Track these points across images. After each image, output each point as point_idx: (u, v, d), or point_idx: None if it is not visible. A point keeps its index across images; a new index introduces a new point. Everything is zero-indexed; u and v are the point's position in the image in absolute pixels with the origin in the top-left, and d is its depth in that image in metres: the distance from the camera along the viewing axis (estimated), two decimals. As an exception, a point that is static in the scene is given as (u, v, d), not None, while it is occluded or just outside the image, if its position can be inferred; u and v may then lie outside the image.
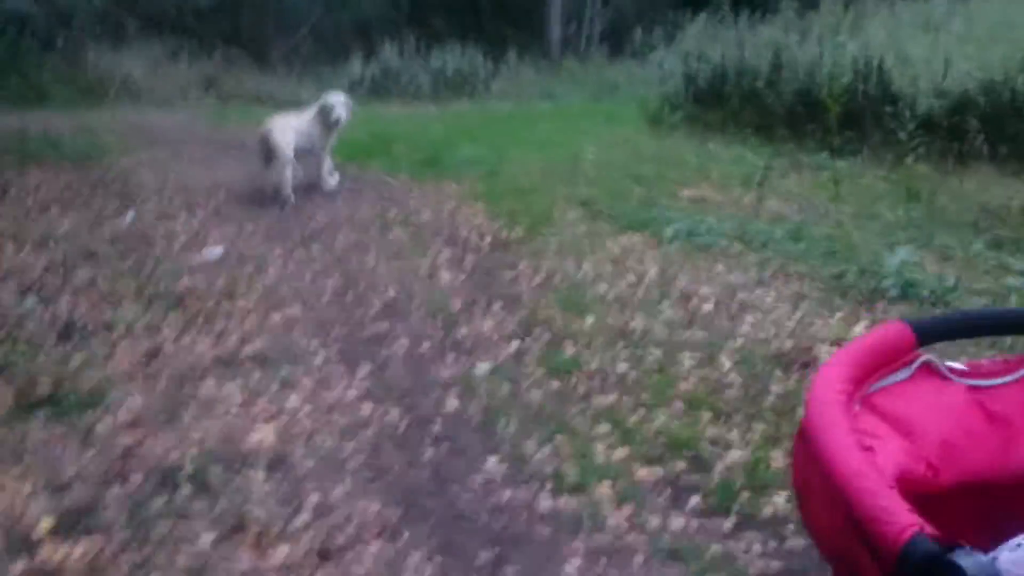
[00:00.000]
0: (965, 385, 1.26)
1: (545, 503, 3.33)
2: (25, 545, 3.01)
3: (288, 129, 8.20)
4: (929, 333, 1.32)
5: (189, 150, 10.84)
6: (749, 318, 5.17)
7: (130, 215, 7.50)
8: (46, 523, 3.14)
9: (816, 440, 1.10)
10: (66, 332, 4.92)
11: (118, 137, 11.22)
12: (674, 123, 11.69)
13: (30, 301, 5.28)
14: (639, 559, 2.97)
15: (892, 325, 1.32)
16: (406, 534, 3.14)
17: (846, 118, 9.80)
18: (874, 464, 1.08)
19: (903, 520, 0.94)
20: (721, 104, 11.42)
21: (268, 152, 8.13)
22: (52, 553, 2.98)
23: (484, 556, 3.02)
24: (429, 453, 3.74)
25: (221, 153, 10.63)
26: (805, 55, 11.02)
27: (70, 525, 3.15)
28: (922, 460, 1.15)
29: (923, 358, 1.29)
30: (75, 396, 4.11)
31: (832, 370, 1.21)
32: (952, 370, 1.29)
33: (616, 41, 20.12)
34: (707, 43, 12.39)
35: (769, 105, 10.86)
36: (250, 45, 18.65)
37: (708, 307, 5.37)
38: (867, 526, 0.96)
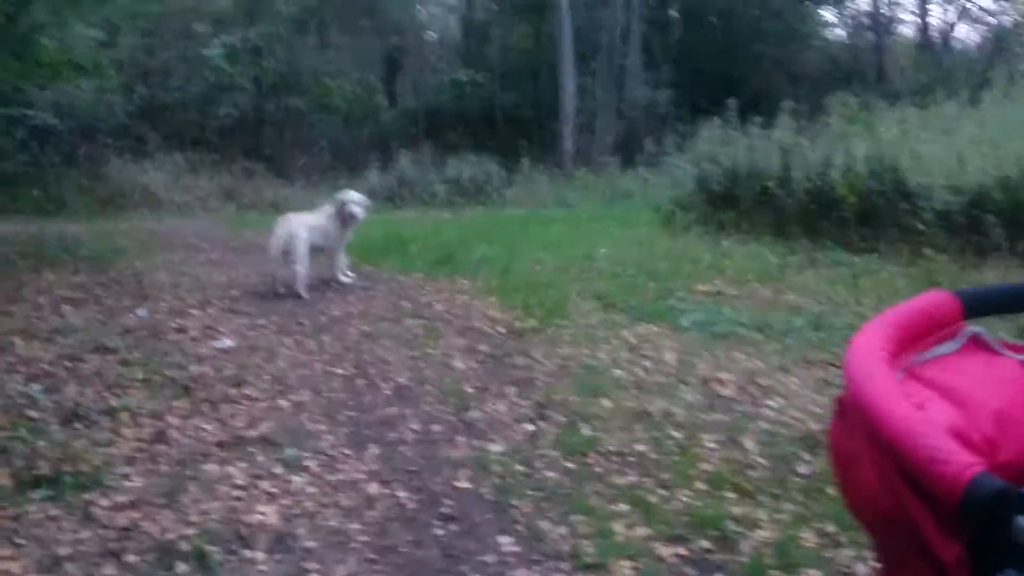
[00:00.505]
0: (1018, 360, 1.15)
1: (562, 581, 3.13)
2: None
3: (303, 226, 8.26)
4: (976, 305, 1.22)
5: (205, 253, 10.94)
6: (772, 402, 5.01)
7: (142, 311, 7.47)
8: (32, 603, 2.96)
9: (861, 394, 0.99)
10: (70, 418, 4.79)
11: (135, 242, 11.34)
12: (687, 224, 11.74)
13: (35, 388, 5.18)
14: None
15: (936, 294, 1.22)
16: (413, 610, 2.94)
17: (861, 215, 9.83)
18: (926, 414, 0.97)
19: (964, 459, 0.84)
20: (734, 205, 11.50)
21: (283, 249, 8.16)
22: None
23: (497, 635, 2.81)
24: (438, 532, 3.55)
25: (237, 255, 10.70)
26: (816, 155, 11.13)
27: (58, 606, 2.97)
28: (977, 431, 1.02)
29: (970, 330, 1.19)
30: (74, 477, 3.96)
31: (872, 331, 1.10)
32: (1005, 344, 1.18)
33: (628, 152, 20.49)
34: (718, 148, 12.55)
35: (782, 204, 10.90)
36: (269, 159, 19.10)
37: (729, 392, 5.22)
38: (924, 469, 0.85)
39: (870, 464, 1.01)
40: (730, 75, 21.21)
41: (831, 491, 3.73)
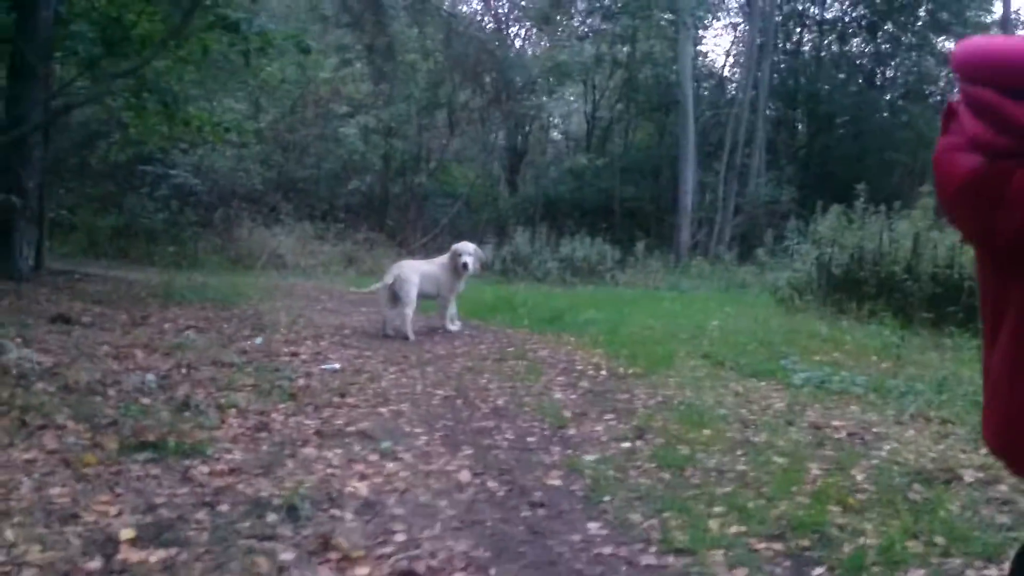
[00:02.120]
0: None
1: (648, 560, 3.01)
2: (102, 549, 2.91)
3: (414, 271, 8.48)
4: None
5: (323, 303, 11.30)
6: (886, 446, 4.74)
7: (259, 339, 7.75)
8: (127, 534, 3.05)
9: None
10: (180, 407, 4.98)
11: (258, 290, 11.82)
12: (805, 306, 11.43)
13: (149, 378, 5.43)
14: (753, 613, 2.60)
15: None
16: (494, 570, 2.88)
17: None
18: None
19: None
20: (855, 289, 11.14)
21: (394, 292, 8.37)
22: (129, 555, 2.87)
23: (577, 593, 2.71)
24: (526, 514, 3.49)
25: (352, 306, 11.02)
26: (946, 243, 10.74)
27: (151, 537, 3.05)
28: None
29: None
30: (177, 446, 4.10)
31: None
32: None
33: (747, 246, 20.24)
34: (841, 233, 12.27)
35: (907, 290, 10.51)
36: (392, 231, 19.76)
37: (840, 436, 4.98)
38: None
39: (964, 149, 0.98)
40: (857, 179, 20.90)
41: (943, 512, 3.51)
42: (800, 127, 27.14)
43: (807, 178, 22.90)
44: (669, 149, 23.79)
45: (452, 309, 8.92)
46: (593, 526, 3.34)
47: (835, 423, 5.25)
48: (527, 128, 24.76)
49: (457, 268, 8.66)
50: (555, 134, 29.17)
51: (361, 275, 16.65)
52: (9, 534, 2.89)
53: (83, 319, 7.53)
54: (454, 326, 8.87)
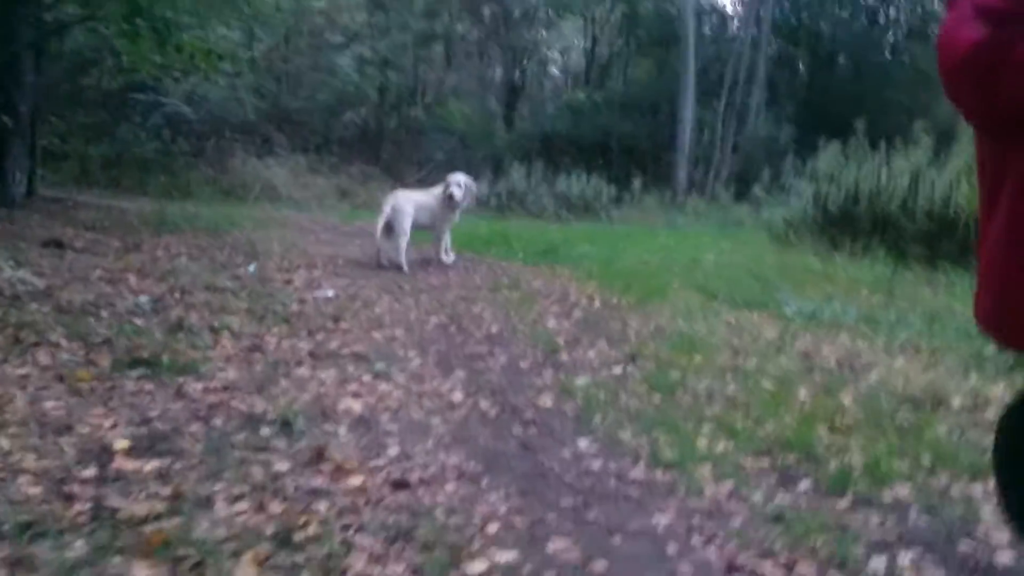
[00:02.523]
0: None
1: (637, 473, 3.06)
2: (98, 458, 2.93)
3: (409, 202, 8.43)
4: None
5: (316, 234, 11.27)
6: (875, 374, 4.78)
7: (252, 266, 7.73)
8: (122, 444, 3.06)
9: None
10: (174, 329, 4.98)
11: (251, 220, 11.78)
12: (799, 242, 11.44)
13: (143, 299, 5.43)
14: (737, 521, 2.64)
15: None
16: (485, 480, 2.92)
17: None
18: None
19: None
20: (851, 225, 11.14)
21: (388, 222, 8.33)
22: (123, 464, 2.89)
23: (566, 502, 2.76)
24: (517, 432, 3.53)
25: (345, 238, 11.00)
26: (943, 181, 10.71)
27: (145, 447, 3.07)
28: None
29: None
30: (171, 364, 4.11)
31: None
32: None
33: (743, 185, 20.17)
34: (839, 170, 12.22)
35: (902, 226, 10.51)
36: (387, 166, 19.63)
37: (829, 364, 5.02)
38: None
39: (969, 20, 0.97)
40: (857, 118, 20.72)
41: (930, 434, 3.55)
42: (801, 65, 26.83)
43: (806, 117, 22.73)
44: (668, 86, 23.55)
45: (446, 241, 8.90)
46: (583, 443, 3.38)
47: (825, 352, 5.29)
48: (525, 63, 24.47)
49: (451, 201, 8.61)
50: (553, 70, 28.85)
51: (355, 208, 16.60)
52: (4, 443, 2.92)
53: (76, 244, 7.51)
54: (448, 258, 8.86)
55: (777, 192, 16.87)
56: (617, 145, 22.78)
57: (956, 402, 4.19)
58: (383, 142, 20.90)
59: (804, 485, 2.97)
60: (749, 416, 3.78)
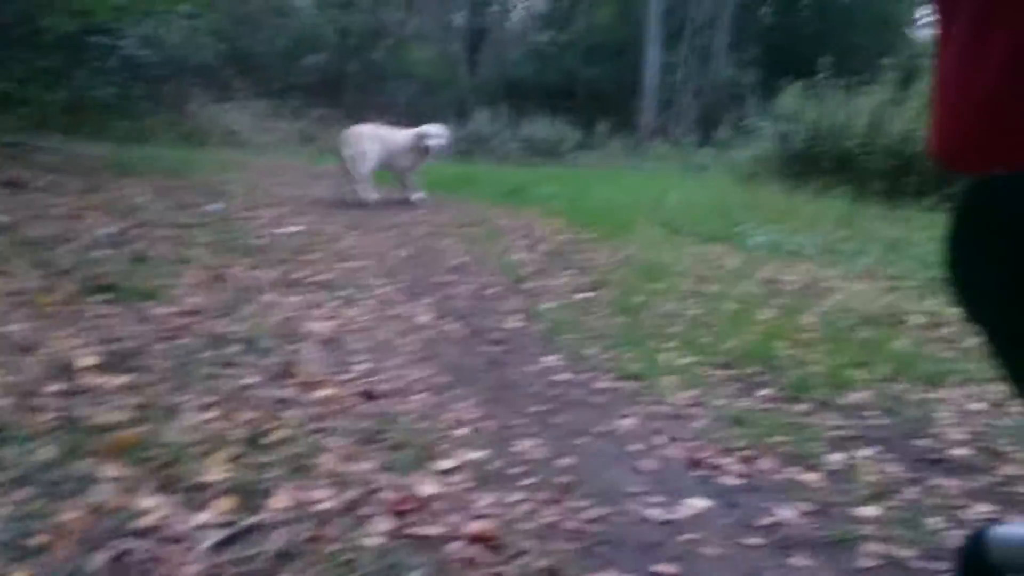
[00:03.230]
0: None
1: (602, 384, 3.11)
2: (64, 374, 2.91)
3: (375, 138, 8.36)
4: None
5: (280, 177, 11.13)
6: (835, 297, 4.88)
7: (216, 205, 7.64)
8: (89, 361, 3.05)
9: None
10: (138, 260, 4.93)
11: (213, 164, 11.60)
12: (763, 180, 11.51)
13: (104, 232, 5.36)
14: (699, 423, 2.70)
15: None
16: (454, 392, 2.95)
17: (944, 178, 9.49)
18: None
19: None
20: (813, 163, 11.22)
21: (351, 153, 8.24)
22: (90, 380, 2.88)
23: (533, 409, 2.80)
24: (484, 349, 3.56)
25: (309, 179, 10.90)
26: (902, 120, 10.80)
27: (113, 364, 3.05)
28: None
29: None
30: (134, 290, 4.09)
31: None
32: None
33: (707, 129, 20.17)
34: (802, 107, 12.27)
35: (864, 164, 10.61)
36: (349, 113, 19.36)
37: (791, 288, 5.10)
38: None
39: None
40: (821, 58, 20.75)
41: (888, 348, 3.64)
42: (764, 8, 26.71)
43: (770, 60, 22.66)
44: (632, 30, 23.34)
45: (412, 180, 8.84)
46: (550, 359, 3.43)
47: (787, 278, 5.38)
48: (489, 5, 24.13)
49: (421, 149, 8.54)
50: (517, 13, 28.47)
51: (320, 153, 16.42)
52: (-32, 359, 2.90)
53: (36, 184, 7.36)
54: (416, 195, 8.82)
55: (741, 134, 16.90)
56: (582, 89, 22.64)
57: (914, 320, 4.29)
58: (345, 87, 20.57)
59: (765, 392, 3.04)
60: (712, 333, 3.84)
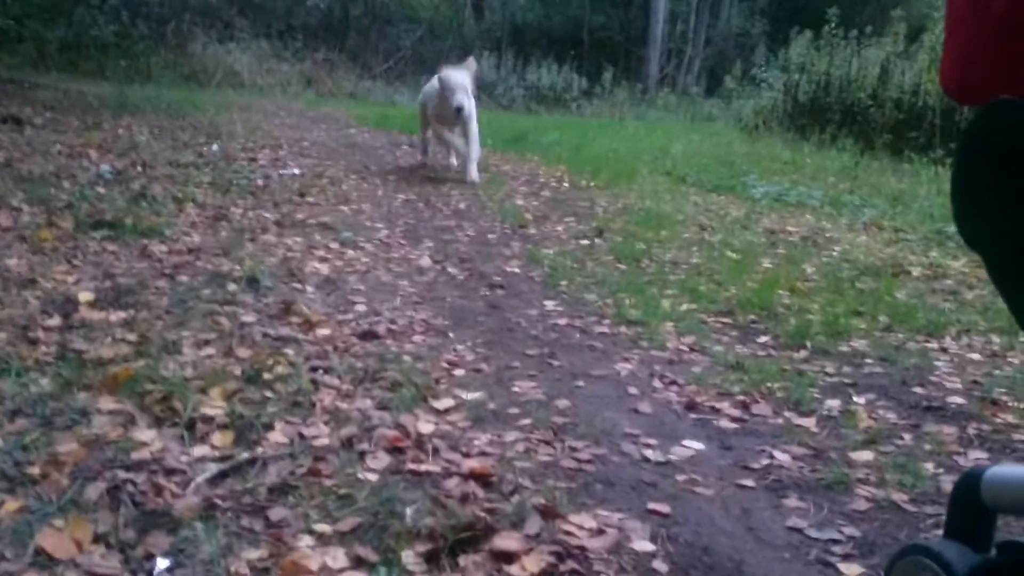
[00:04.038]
0: None
1: (601, 328, 3.10)
2: (61, 309, 2.91)
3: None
4: None
5: (281, 118, 11.03)
6: (837, 247, 4.86)
7: (216, 145, 7.58)
8: (86, 297, 3.04)
9: None
10: (136, 198, 4.89)
11: (214, 104, 11.48)
12: (769, 131, 11.41)
13: (104, 168, 5.33)
14: (698, 368, 2.70)
15: None
16: (453, 333, 2.95)
17: (950, 130, 9.40)
18: None
19: None
20: (820, 115, 11.11)
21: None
22: (88, 314, 2.87)
23: (532, 352, 2.80)
24: (485, 293, 3.55)
25: (310, 123, 10.80)
26: (912, 72, 10.66)
27: (110, 300, 3.05)
28: None
29: None
30: (134, 227, 4.07)
31: None
32: None
33: (715, 79, 19.93)
34: (810, 59, 12.11)
35: (871, 117, 10.50)
36: (353, 55, 19.13)
37: (794, 238, 5.08)
38: None
39: None
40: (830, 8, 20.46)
41: (888, 298, 3.63)
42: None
43: (779, 10, 22.31)
44: (641, -23, 22.94)
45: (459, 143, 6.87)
46: (549, 303, 3.42)
47: (789, 228, 5.36)
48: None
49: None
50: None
51: (320, 96, 16.27)
52: (-35, 292, 2.89)
53: (35, 121, 7.31)
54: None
55: (748, 85, 16.71)
56: (589, 37, 22.29)
57: (916, 272, 4.27)
58: (348, 30, 20.28)
59: (763, 339, 3.04)
60: (712, 281, 3.84)
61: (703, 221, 5.37)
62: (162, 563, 1.44)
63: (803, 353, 2.88)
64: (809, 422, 2.30)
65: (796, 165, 8.74)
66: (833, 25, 12.20)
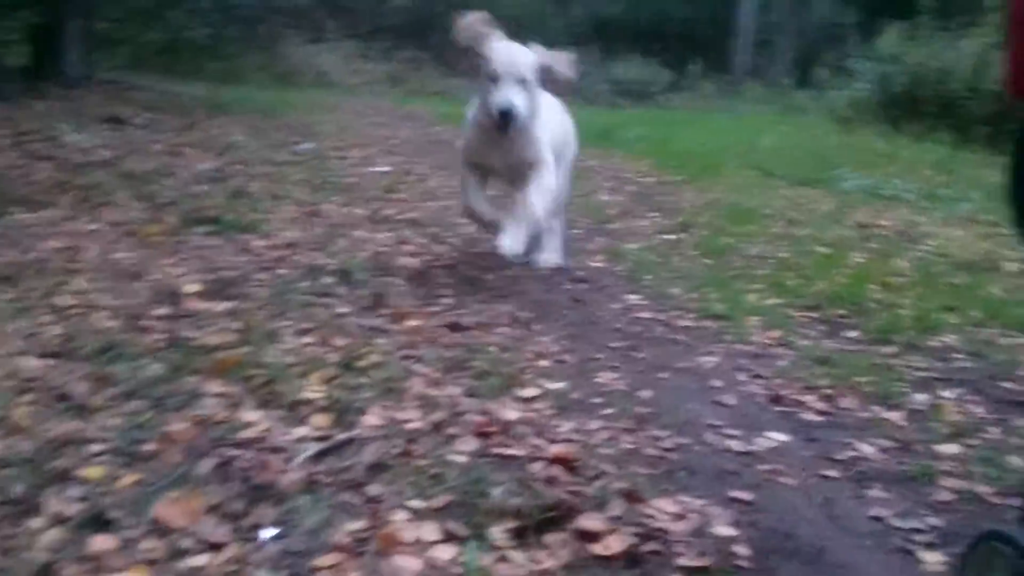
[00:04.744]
0: None
1: (685, 322, 3.13)
2: (170, 300, 3.07)
3: None
4: None
5: (370, 117, 11.28)
6: (931, 242, 4.76)
7: (308, 144, 7.81)
8: (193, 288, 3.21)
9: None
10: (236, 195, 5.10)
11: (305, 104, 11.81)
12: (862, 124, 11.14)
13: (205, 166, 5.57)
14: (782, 362, 2.70)
15: None
16: (537, 326, 3.01)
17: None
18: None
19: None
20: (914, 107, 10.81)
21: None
22: (194, 305, 3.04)
23: (615, 345, 2.84)
24: (568, 287, 3.60)
25: (397, 121, 11.01)
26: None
27: (215, 291, 3.21)
28: None
29: None
30: (235, 223, 4.26)
31: None
32: None
33: (806, 71, 19.52)
34: (903, 51, 11.78)
35: (968, 109, 10.17)
36: (437, 55, 19.38)
37: (885, 233, 4.99)
38: None
39: None
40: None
41: (982, 293, 3.56)
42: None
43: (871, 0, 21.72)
44: (728, -33, 22.59)
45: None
46: (633, 297, 3.45)
47: (882, 223, 5.26)
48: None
49: None
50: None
51: (407, 94, 16.55)
52: (82, 283, 3.09)
53: (135, 121, 7.64)
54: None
55: (840, 77, 16.31)
56: (674, 30, 22.08)
57: (1011, 267, 4.16)
58: (432, 28, 20.59)
59: (852, 334, 3.02)
60: (800, 275, 3.80)
61: (792, 215, 5.31)
62: (270, 532, 1.55)
63: (892, 348, 2.86)
64: (896, 416, 2.29)
65: (890, 158, 8.52)
66: (926, 15, 11.85)
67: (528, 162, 3.45)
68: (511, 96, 3.19)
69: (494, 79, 3.25)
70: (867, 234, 4.89)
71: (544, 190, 3.40)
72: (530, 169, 3.45)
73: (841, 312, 3.25)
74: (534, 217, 3.35)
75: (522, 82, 3.26)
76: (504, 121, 3.19)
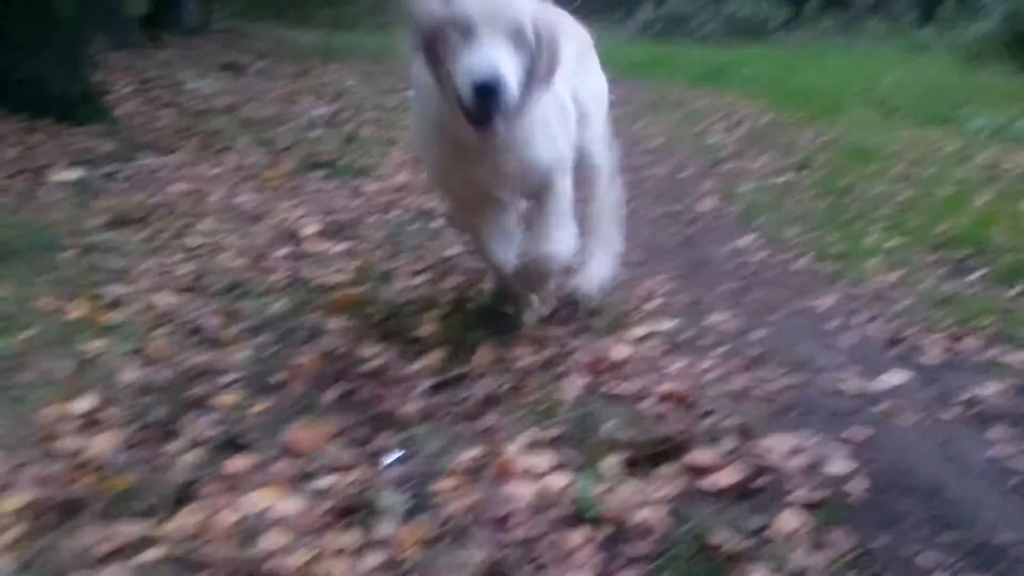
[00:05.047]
0: None
1: (800, 264, 3.07)
2: (290, 240, 3.20)
3: None
4: None
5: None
6: (1068, 184, 4.49)
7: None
8: (311, 229, 3.34)
9: None
10: (349, 140, 5.23)
11: (416, 48, 11.87)
12: (988, 62, 10.50)
13: (319, 112, 5.70)
14: (902, 304, 2.62)
15: None
16: (647, 267, 3.01)
17: None
18: None
19: None
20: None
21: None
22: (313, 246, 3.15)
23: (726, 286, 2.82)
24: (679, 229, 3.58)
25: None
26: None
27: (331, 232, 3.32)
28: None
29: None
30: (348, 165, 4.38)
31: None
32: None
33: (929, 6, 18.44)
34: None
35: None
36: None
37: (1014, 174, 4.72)
38: None
39: None
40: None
41: None
42: None
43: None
44: None
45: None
46: (745, 240, 3.40)
47: (1009, 164, 4.98)
48: None
49: None
50: None
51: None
52: (209, 224, 3.24)
53: (250, 69, 7.86)
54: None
55: (966, 12, 15.36)
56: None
57: None
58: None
59: (975, 276, 2.90)
60: (922, 217, 3.66)
61: (915, 155, 5.08)
62: (393, 455, 1.63)
63: (1017, 290, 2.74)
64: (1018, 358, 2.21)
65: (1017, 97, 8.02)
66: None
67: (533, 172, 2.10)
68: (496, 59, 1.73)
69: (466, 32, 1.76)
70: (994, 175, 4.64)
71: (564, 217, 2.27)
72: (538, 185, 2.18)
73: (964, 254, 3.12)
74: (558, 269, 2.25)
75: (516, 35, 1.79)
76: (485, 105, 1.73)
